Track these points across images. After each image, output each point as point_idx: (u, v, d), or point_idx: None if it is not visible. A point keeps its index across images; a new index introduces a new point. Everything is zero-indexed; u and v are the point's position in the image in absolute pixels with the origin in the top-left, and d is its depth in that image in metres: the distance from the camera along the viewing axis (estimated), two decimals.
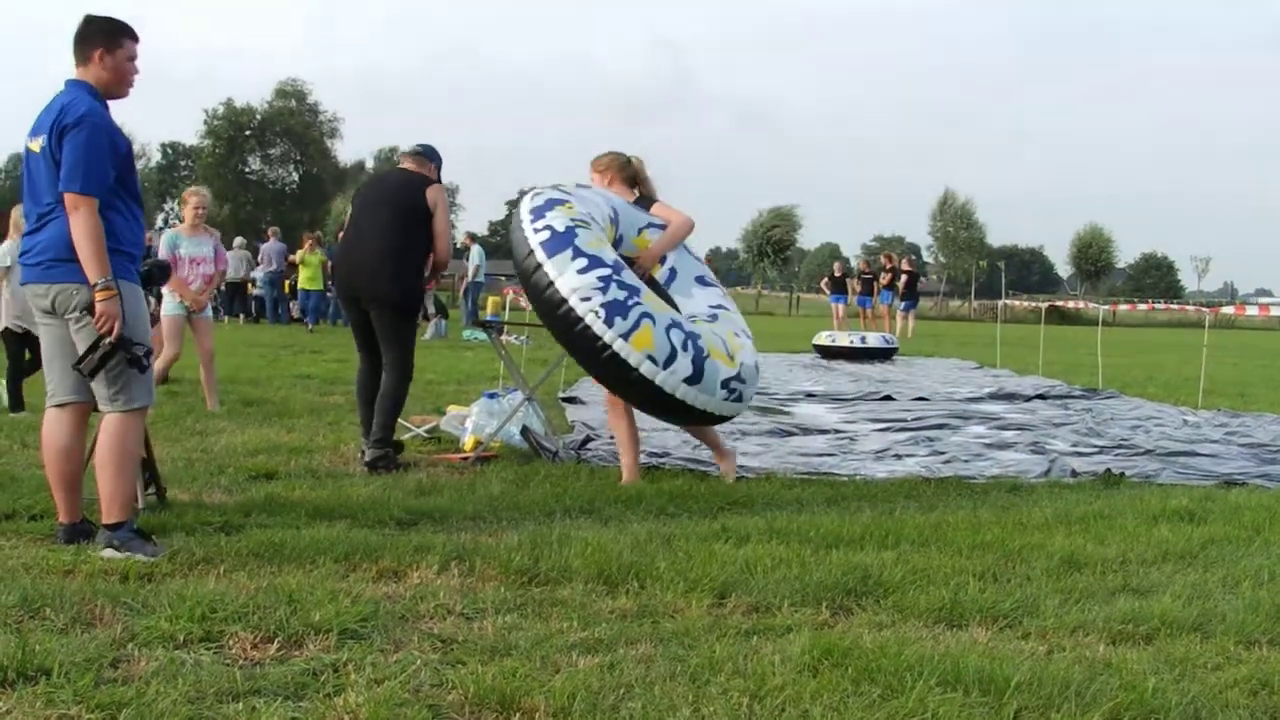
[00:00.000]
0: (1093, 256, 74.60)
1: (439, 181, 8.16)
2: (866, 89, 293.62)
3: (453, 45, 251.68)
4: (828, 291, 33.24)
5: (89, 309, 5.09)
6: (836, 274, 33.11)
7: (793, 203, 74.43)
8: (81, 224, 5.04)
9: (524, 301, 11.11)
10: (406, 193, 7.98)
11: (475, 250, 27.78)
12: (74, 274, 5.10)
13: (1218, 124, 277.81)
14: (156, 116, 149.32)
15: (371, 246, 7.86)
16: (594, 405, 11.36)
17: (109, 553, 5.02)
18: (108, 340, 5.08)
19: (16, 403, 9.64)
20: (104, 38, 5.31)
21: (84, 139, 5.08)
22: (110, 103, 5.37)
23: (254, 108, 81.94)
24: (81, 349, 5.18)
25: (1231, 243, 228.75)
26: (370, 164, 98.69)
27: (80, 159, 5.06)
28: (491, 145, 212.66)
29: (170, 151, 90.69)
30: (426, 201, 7.87)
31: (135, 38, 5.40)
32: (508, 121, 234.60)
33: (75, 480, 5.39)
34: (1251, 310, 24.74)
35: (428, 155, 8.26)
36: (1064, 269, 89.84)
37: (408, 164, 8.28)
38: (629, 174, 7.97)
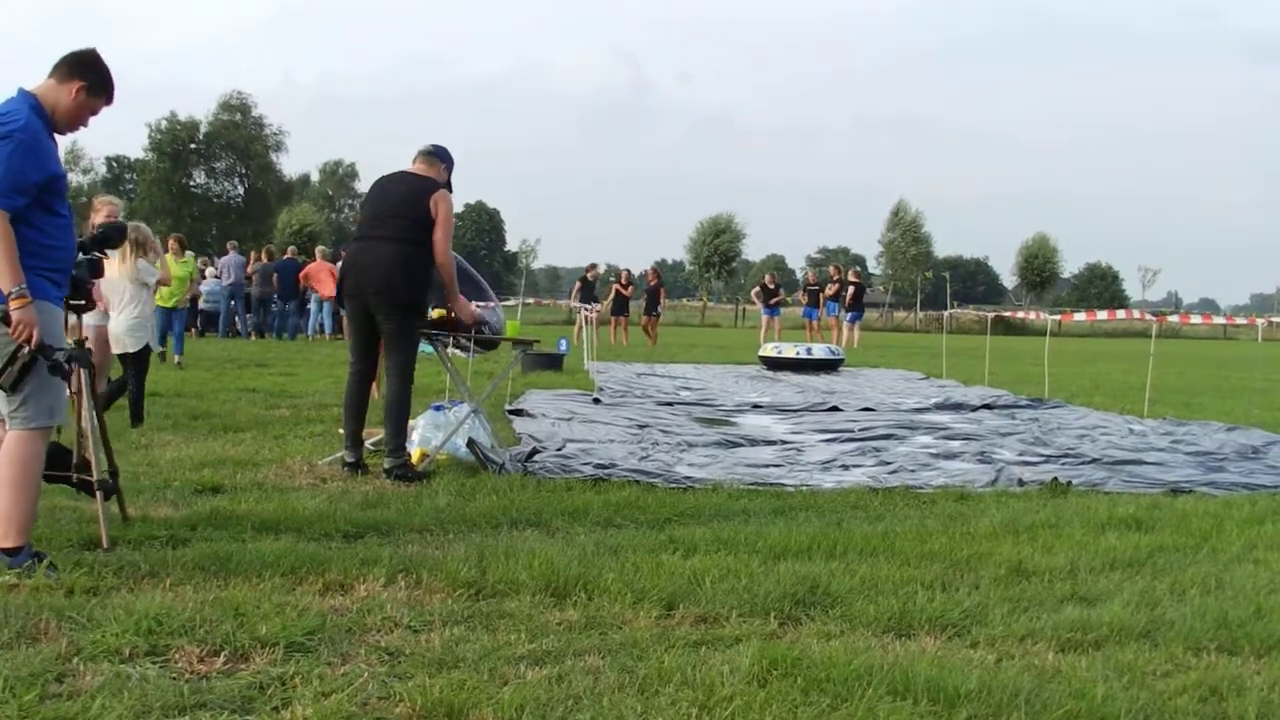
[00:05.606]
0: (1039, 267, 75.32)
1: (448, 184, 8.08)
2: (812, 99, 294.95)
3: (411, 55, 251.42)
4: (759, 303, 32.75)
5: (4, 319, 4.92)
6: (769, 285, 32.46)
7: (731, 211, 75.06)
8: None
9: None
10: (414, 202, 7.85)
11: None
12: None
13: (1164, 132, 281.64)
14: (101, 129, 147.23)
15: (383, 251, 7.77)
16: (540, 418, 11.35)
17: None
18: (26, 350, 4.92)
19: None
20: (96, 81, 5.23)
21: (6, 153, 4.90)
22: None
23: (197, 121, 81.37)
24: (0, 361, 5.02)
25: (1174, 252, 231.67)
26: (315, 177, 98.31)
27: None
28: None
29: (115, 165, 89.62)
30: (430, 209, 7.80)
31: (111, 102, 5.32)
32: (463, 133, 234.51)
33: None
34: (1195, 319, 25.12)
35: (439, 156, 8.19)
36: (1009, 279, 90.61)
37: (418, 166, 8.17)
38: None
